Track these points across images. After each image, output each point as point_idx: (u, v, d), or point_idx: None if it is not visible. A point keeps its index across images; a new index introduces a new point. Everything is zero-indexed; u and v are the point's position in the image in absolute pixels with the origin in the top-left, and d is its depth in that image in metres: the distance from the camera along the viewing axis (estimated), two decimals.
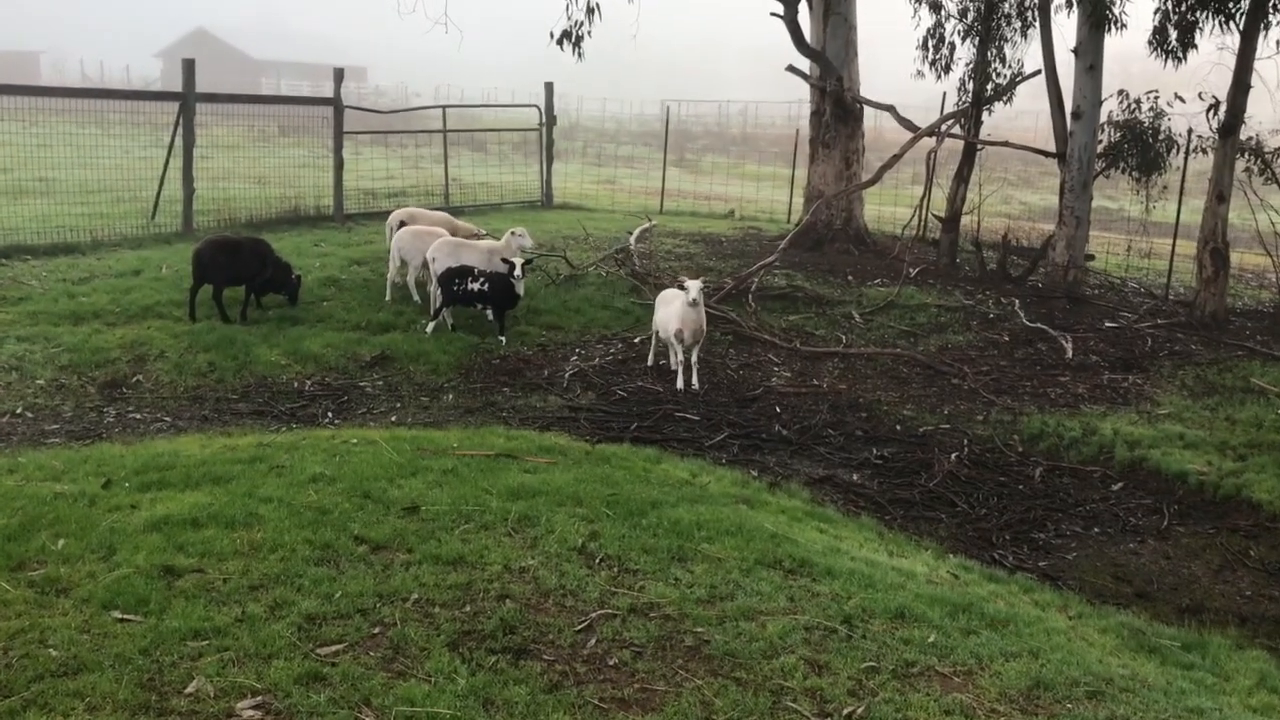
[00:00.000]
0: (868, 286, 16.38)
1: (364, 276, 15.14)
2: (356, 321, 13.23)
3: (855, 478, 9.70)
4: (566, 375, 12.07)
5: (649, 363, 12.49)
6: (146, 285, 13.76)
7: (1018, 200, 31.86)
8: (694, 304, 11.38)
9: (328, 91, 19.73)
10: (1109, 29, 15.25)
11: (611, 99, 76.45)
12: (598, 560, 6.27)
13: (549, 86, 23.28)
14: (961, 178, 17.78)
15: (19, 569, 5.91)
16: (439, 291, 13.10)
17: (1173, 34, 14.91)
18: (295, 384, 11.39)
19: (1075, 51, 15.73)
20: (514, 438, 9.43)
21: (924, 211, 17.22)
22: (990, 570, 7.55)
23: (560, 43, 16.14)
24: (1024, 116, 23.32)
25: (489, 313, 13.43)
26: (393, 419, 10.48)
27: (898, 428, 11.04)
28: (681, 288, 11.56)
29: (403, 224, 15.41)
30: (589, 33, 16.14)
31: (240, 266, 12.91)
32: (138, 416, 10.31)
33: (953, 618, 5.93)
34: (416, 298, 14.18)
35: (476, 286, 12.91)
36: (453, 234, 14.73)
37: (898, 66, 22.86)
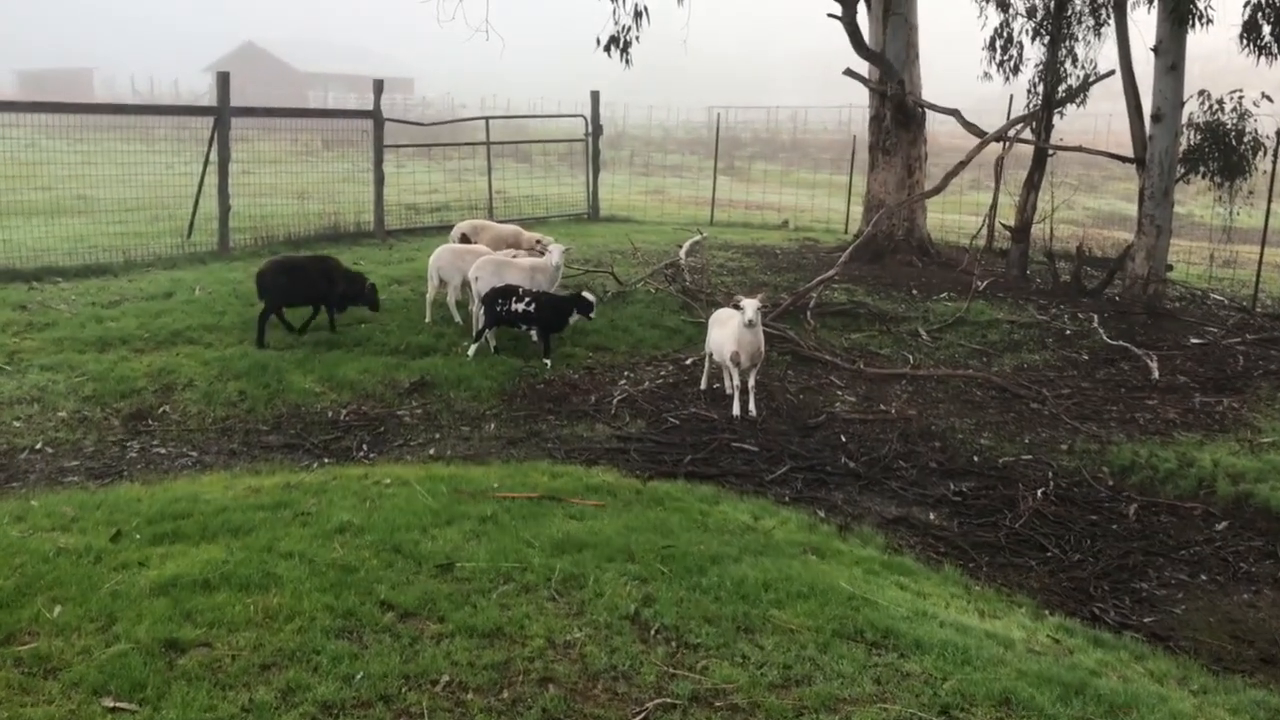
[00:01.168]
0: (934, 301, 15.50)
1: (404, 296, 14.51)
2: (395, 345, 12.59)
3: (932, 517, 8.87)
4: (615, 401, 11.34)
5: (702, 386, 11.73)
6: (178, 309, 13.21)
7: (1081, 206, 30.71)
8: (750, 325, 10.60)
9: (371, 103, 19.18)
10: (1193, 25, 14.27)
11: (658, 107, 75.93)
12: (653, 631, 5.52)
13: (595, 95, 22.62)
14: (1032, 184, 16.83)
15: (8, 642, 5.28)
16: (481, 312, 12.45)
17: (1266, 28, 13.88)
18: (330, 413, 10.75)
19: (1155, 50, 14.76)
20: (559, 475, 8.72)
21: (992, 220, 16.29)
22: (1094, 631, 6.70)
23: (607, 49, 15.46)
24: (1084, 118, 22.24)
25: (533, 334, 12.74)
26: (430, 452, 9.81)
27: (975, 459, 10.19)
28: (737, 307, 10.79)
29: (464, 236, 14.83)
30: (637, 38, 15.45)
31: (304, 287, 12.54)
32: (162, 451, 9.72)
33: (1065, 702, 5.11)
34: (458, 319, 13.53)
35: (521, 307, 12.21)
36: (517, 247, 14.14)
37: (952, 69, 21.98)
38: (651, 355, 13.02)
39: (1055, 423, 11.13)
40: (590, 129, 22.67)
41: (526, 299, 12.20)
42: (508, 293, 12.28)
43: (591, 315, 12.32)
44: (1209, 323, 15.08)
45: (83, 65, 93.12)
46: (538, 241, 14.58)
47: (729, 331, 10.94)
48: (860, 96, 20.44)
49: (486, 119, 22.69)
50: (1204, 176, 16.20)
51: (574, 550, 6.56)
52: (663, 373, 12.43)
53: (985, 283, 15.71)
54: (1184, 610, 7.49)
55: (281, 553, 6.41)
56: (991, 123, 17.68)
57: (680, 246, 17.00)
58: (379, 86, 18.95)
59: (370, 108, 19.11)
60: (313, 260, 13.09)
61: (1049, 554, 8.24)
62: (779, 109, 74.26)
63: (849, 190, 23.13)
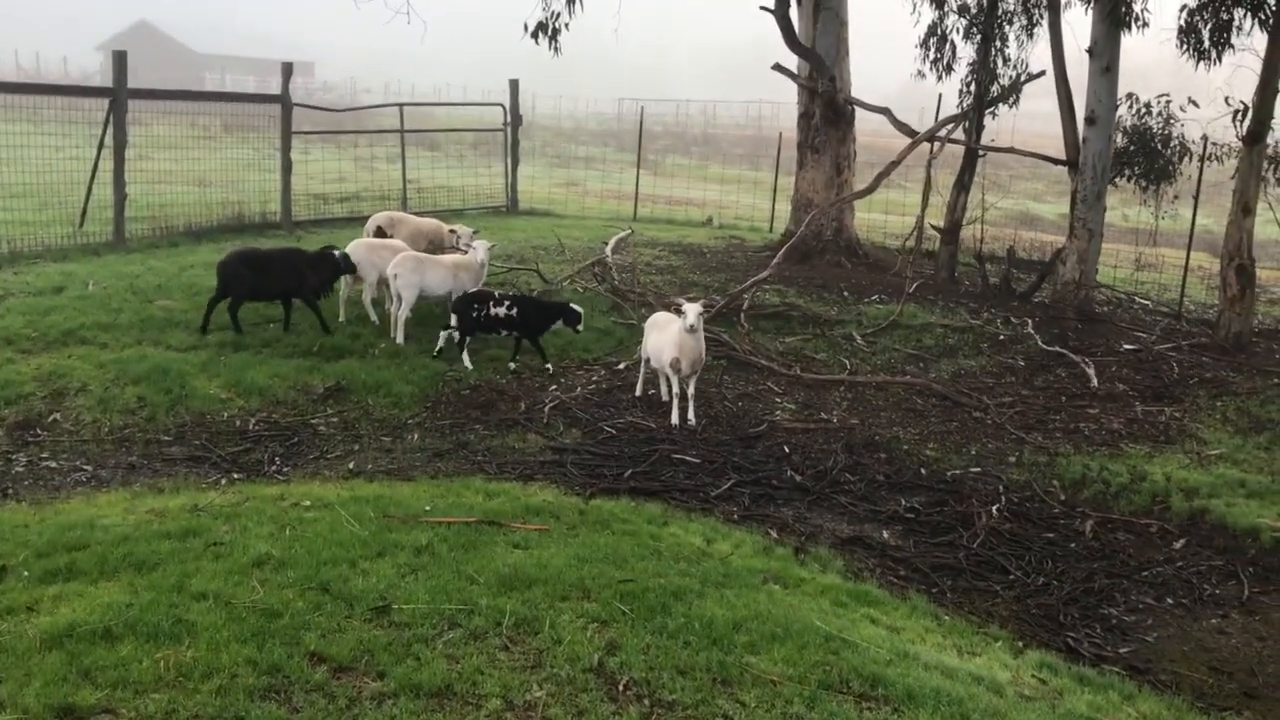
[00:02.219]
0: (866, 304, 15.18)
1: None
2: (307, 346, 11.79)
3: (886, 535, 8.46)
4: (546, 408, 10.73)
5: (637, 393, 11.19)
6: (69, 305, 12.22)
7: (993, 206, 30.92)
8: (692, 330, 10.09)
9: (274, 87, 18.21)
10: (1128, 27, 14.14)
11: (565, 97, 75.02)
12: (622, 687, 4.95)
13: (514, 84, 21.87)
14: (962, 185, 16.64)
15: None
16: (456, 320, 11.69)
17: (1205, 32, 13.80)
18: (238, 422, 9.94)
19: (1090, 52, 14.61)
20: (494, 493, 8.11)
21: (920, 221, 16.05)
22: (1075, 667, 6.33)
23: (535, 35, 14.79)
24: (1018, 118, 22.16)
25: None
26: (350, 465, 9.10)
27: (923, 471, 9.83)
28: (677, 311, 10.26)
29: (379, 230, 14.01)
30: (567, 25, 14.81)
31: (269, 281, 11.91)
32: (53, 465, 8.83)
33: None
34: (374, 318, 12.78)
35: (502, 311, 11.53)
36: (441, 244, 13.42)
37: (881, 68, 21.77)
38: (582, 359, 12.45)
39: (1000, 433, 10.84)
40: (509, 118, 21.93)
41: (507, 303, 11.56)
42: (484, 297, 11.61)
43: (579, 328, 11.76)
44: (1138, 328, 15.03)
45: None
46: (451, 231, 13.87)
47: (668, 337, 10.43)
48: (771, 92, 20.16)
49: (400, 106, 21.76)
50: (1130, 180, 16.19)
51: (523, 587, 5.95)
52: (595, 378, 11.87)
53: (914, 285, 15.43)
54: (1156, 638, 7.18)
55: (194, 593, 5.68)
56: (923, 125, 17.42)
57: (606, 243, 16.41)
58: (288, 69, 17.97)
59: (273, 91, 18.14)
60: (279, 253, 12.47)
61: (1012, 577, 7.89)
62: (689, 103, 74.04)
63: (774, 188, 22.78)
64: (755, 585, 6.54)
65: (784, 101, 73.58)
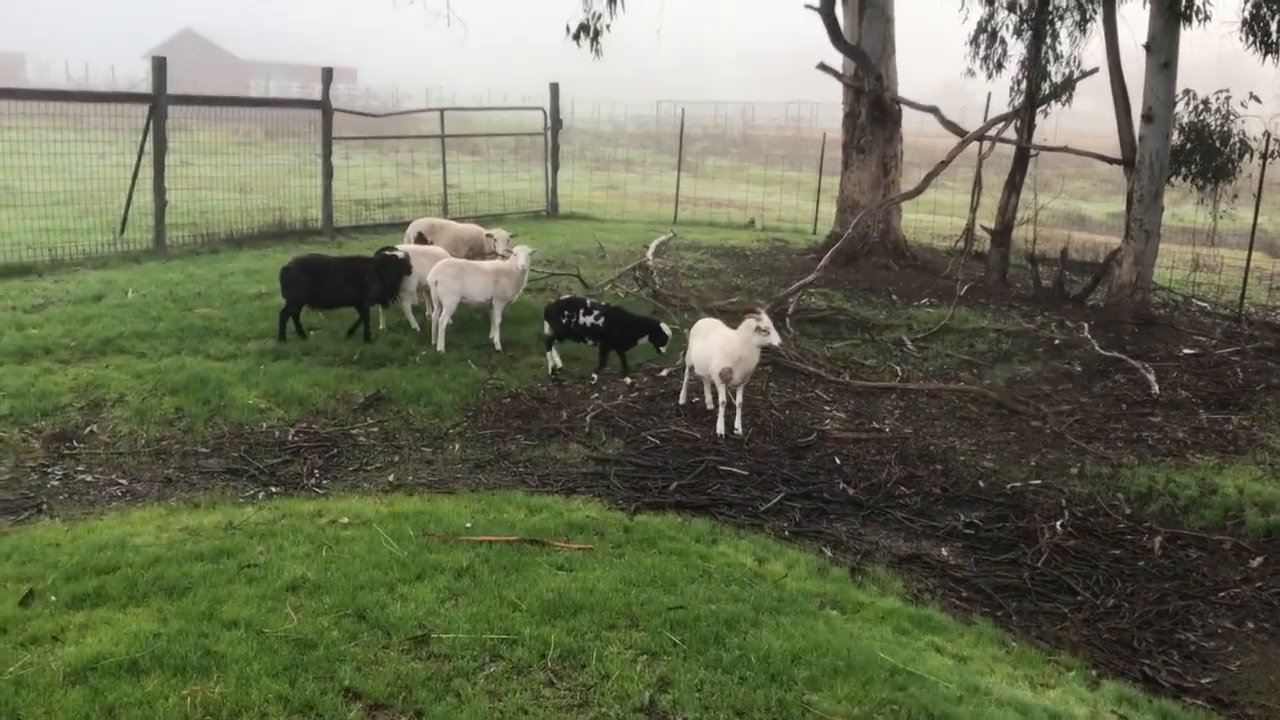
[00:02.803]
0: (916, 307, 14.78)
1: None
2: (348, 354, 11.58)
3: (946, 553, 8.10)
4: (588, 418, 10.44)
5: (681, 401, 10.86)
6: (108, 314, 12.09)
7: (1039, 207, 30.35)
8: (769, 346, 9.96)
9: (317, 93, 18.08)
10: (1188, 20, 13.64)
11: (603, 101, 74.83)
12: None
13: (554, 88, 21.64)
14: (1013, 186, 16.17)
15: None
16: (547, 325, 11.56)
17: (1275, 24, 13.27)
18: (276, 433, 9.73)
19: (1147, 47, 14.12)
20: (536, 508, 7.84)
21: (971, 223, 15.60)
22: (1157, 701, 5.96)
23: (577, 37, 14.53)
24: (1066, 117, 21.62)
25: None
26: (390, 478, 8.85)
27: (981, 484, 9.44)
28: (752, 314, 9.93)
29: (420, 236, 13.84)
30: (608, 26, 14.54)
31: (329, 290, 11.78)
32: (88, 479, 8.65)
33: None
34: (415, 325, 12.56)
35: (590, 321, 11.39)
36: (482, 250, 13.19)
37: (920, 67, 21.31)
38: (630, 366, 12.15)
39: (1060, 442, 10.43)
40: (549, 123, 21.70)
41: (595, 313, 11.43)
42: (575, 304, 11.47)
43: (663, 349, 11.43)
44: (1197, 331, 14.52)
45: (15, 49, 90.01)
46: (488, 236, 13.65)
47: (715, 344, 10.12)
48: (810, 93, 19.74)
49: (441, 111, 21.58)
50: (1186, 179, 15.68)
51: (568, 614, 5.67)
52: (637, 385, 11.57)
53: (965, 288, 15.01)
54: (1239, 667, 6.77)
55: (224, 621, 5.45)
56: (964, 125, 16.99)
57: (647, 247, 16.13)
58: (328, 75, 17.84)
59: (317, 97, 18.01)
60: (343, 262, 12.28)
61: (1079, 598, 7.50)
62: (726, 104, 73.69)
63: (818, 189, 22.38)
64: (812, 611, 6.23)
65: (823, 102, 73.19)
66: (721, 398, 10.22)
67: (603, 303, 11.83)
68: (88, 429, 9.45)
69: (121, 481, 8.63)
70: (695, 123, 67.41)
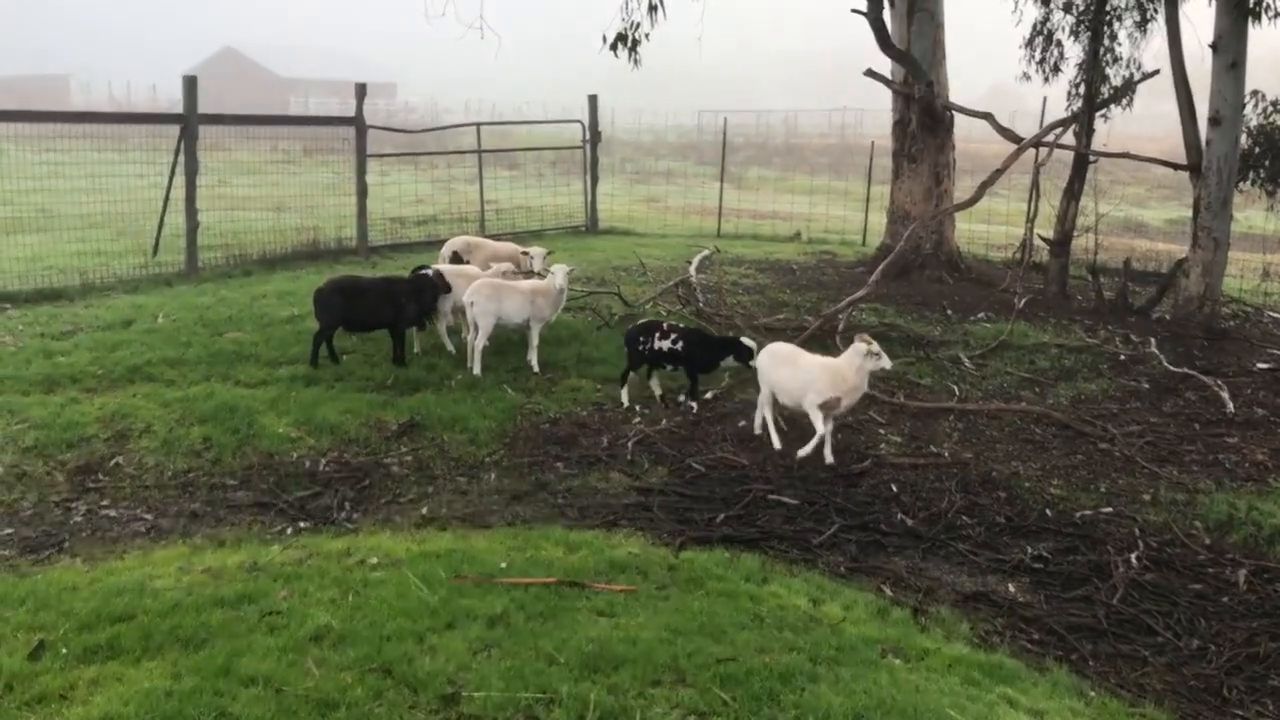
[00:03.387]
0: (972, 322, 14.21)
1: None
2: (381, 379, 11.24)
3: (1013, 589, 7.56)
4: (629, 444, 10.02)
5: (777, 447, 9.90)
6: (137, 340, 11.83)
7: (1092, 213, 29.58)
8: (876, 358, 9.42)
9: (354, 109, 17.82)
10: (1258, 18, 13.01)
11: (644, 110, 74.59)
12: None
13: (592, 100, 21.27)
14: (1072, 193, 15.55)
15: None
16: (627, 351, 11.09)
17: None
18: (307, 463, 9.39)
19: (1214, 46, 13.49)
20: (576, 545, 7.41)
21: (1030, 232, 14.99)
22: None
23: (614, 47, 14.11)
24: (1103, 121, 20.92)
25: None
26: (424, 511, 8.47)
27: (1048, 513, 8.88)
28: (862, 342, 9.47)
29: (455, 255, 13.50)
30: (647, 35, 14.12)
31: (364, 312, 11.44)
32: (112, 514, 8.36)
33: None
34: (450, 348, 12.19)
35: (667, 345, 10.79)
36: (515, 267, 12.83)
37: (966, 72, 20.72)
38: (666, 388, 11.70)
39: (1130, 466, 9.84)
40: (588, 135, 21.32)
41: (673, 336, 10.82)
42: (650, 329, 10.93)
43: (752, 363, 10.63)
44: (1271, 344, 13.84)
45: (59, 72, 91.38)
46: (524, 254, 13.27)
47: (816, 373, 9.57)
48: (855, 99, 19.20)
49: (478, 125, 21.28)
50: (1255, 184, 15.01)
51: (609, 669, 5.23)
52: (680, 409, 11.11)
53: (1023, 300, 14.41)
54: None
55: (242, 677, 5.07)
56: (1021, 129, 16.40)
57: (690, 263, 15.67)
58: (361, 91, 17.58)
59: (352, 114, 17.76)
60: (377, 283, 11.90)
61: (1159, 639, 6.94)
62: (770, 113, 73.13)
63: (866, 199, 21.81)
64: (873, 661, 5.74)
65: (868, 109, 72.53)
66: (824, 429, 9.61)
67: (681, 325, 11.24)
68: (113, 461, 9.16)
69: (146, 517, 8.32)
70: (737, 131, 66.94)
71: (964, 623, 6.83)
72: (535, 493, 8.94)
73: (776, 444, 9.88)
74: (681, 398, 11.14)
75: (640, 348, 10.86)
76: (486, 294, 11.40)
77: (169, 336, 11.98)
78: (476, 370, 11.50)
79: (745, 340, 10.86)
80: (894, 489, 9.20)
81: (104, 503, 8.51)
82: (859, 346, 9.44)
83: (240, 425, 9.80)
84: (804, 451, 9.60)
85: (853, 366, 9.46)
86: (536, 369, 11.69)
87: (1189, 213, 15.02)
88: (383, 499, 8.80)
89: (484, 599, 6.12)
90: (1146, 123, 17.13)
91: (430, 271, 11.87)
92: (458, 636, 5.59)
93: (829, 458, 9.57)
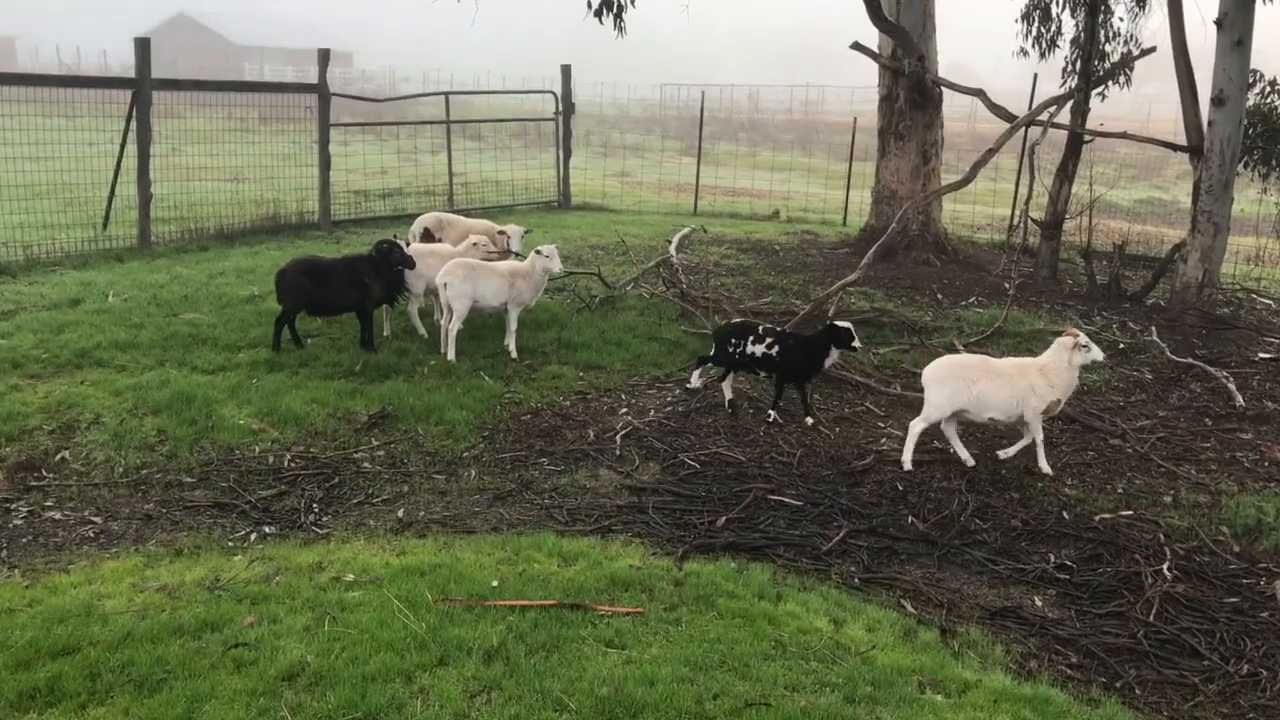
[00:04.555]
0: (963, 307, 13.69)
1: None
2: (349, 365, 10.52)
3: (1040, 603, 7.03)
4: (618, 437, 9.39)
5: (970, 463, 9.05)
6: (86, 320, 11.02)
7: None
8: (1086, 350, 8.82)
9: (313, 77, 16.94)
10: None
11: (606, 83, 73.64)
12: None
13: (566, 70, 20.48)
14: (1065, 175, 15.05)
15: None
16: (715, 351, 10.20)
17: None
18: (271, 458, 8.66)
19: (1218, 23, 12.98)
20: (570, 556, 6.79)
21: (1025, 215, 14.44)
22: None
23: (599, 13, 13.38)
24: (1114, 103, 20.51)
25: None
26: (399, 514, 7.79)
27: (1065, 515, 8.36)
28: (1069, 336, 8.82)
29: (426, 231, 12.75)
30: (633, 2, 13.40)
31: (329, 294, 10.67)
32: (57, 516, 7.61)
33: None
34: (422, 331, 11.49)
35: (761, 350, 9.88)
36: (490, 243, 12.06)
37: (953, 50, 20.17)
38: (652, 375, 11.10)
39: (1145, 464, 9.35)
40: (560, 107, 20.54)
41: (768, 339, 9.87)
42: (744, 331, 9.99)
43: (855, 345, 9.82)
44: (1269, 332, 13.43)
45: (6, 34, 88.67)
46: (500, 232, 12.57)
47: (1029, 381, 8.79)
48: (818, 75, 18.60)
49: (446, 94, 20.41)
50: (1249, 166, 14.60)
51: (628, 717, 4.61)
52: (669, 398, 10.52)
53: (1013, 284, 13.91)
54: None
55: None
56: (1021, 109, 15.85)
57: (669, 242, 15.03)
58: (324, 57, 16.69)
59: (311, 81, 16.87)
60: (341, 263, 11.02)
61: (1205, 661, 6.43)
62: (733, 87, 72.40)
63: (848, 177, 21.20)
64: (913, 699, 5.18)
65: (830, 85, 72.06)
66: (1037, 437, 8.94)
67: (776, 328, 10.24)
68: (59, 456, 8.39)
69: (95, 520, 7.58)
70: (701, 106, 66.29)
71: (997, 645, 6.29)
72: (520, 492, 8.29)
73: (969, 460, 9.06)
74: (810, 420, 10.01)
75: (731, 350, 9.99)
76: (461, 275, 10.71)
77: (120, 317, 11.18)
78: (450, 356, 10.82)
79: (838, 323, 9.87)
80: (900, 488, 8.66)
81: (48, 503, 7.76)
82: (1066, 340, 8.77)
83: (198, 416, 9.05)
84: (1007, 454, 9.14)
85: (1064, 363, 8.78)
86: (515, 355, 11.03)
87: (1159, 194, 14.62)
88: (354, 499, 8.11)
89: (477, 626, 5.48)
90: (1121, 103, 16.75)
91: (387, 244, 11.00)
92: (451, 676, 4.95)
93: (909, 462, 8.96)
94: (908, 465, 8.98)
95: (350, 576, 6.22)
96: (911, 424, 9.15)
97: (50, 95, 15.95)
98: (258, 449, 8.78)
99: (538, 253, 11.07)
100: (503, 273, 10.97)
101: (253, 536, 7.36)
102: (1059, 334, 9.13)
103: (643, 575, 6.54)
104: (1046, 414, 8.94)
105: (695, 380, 10.41)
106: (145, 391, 9.38)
